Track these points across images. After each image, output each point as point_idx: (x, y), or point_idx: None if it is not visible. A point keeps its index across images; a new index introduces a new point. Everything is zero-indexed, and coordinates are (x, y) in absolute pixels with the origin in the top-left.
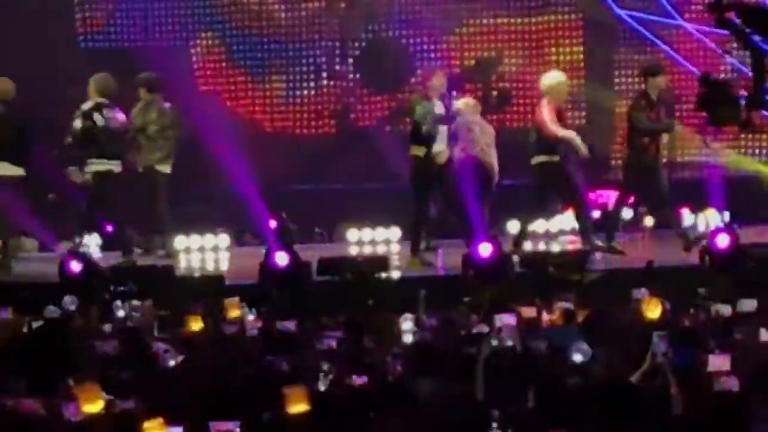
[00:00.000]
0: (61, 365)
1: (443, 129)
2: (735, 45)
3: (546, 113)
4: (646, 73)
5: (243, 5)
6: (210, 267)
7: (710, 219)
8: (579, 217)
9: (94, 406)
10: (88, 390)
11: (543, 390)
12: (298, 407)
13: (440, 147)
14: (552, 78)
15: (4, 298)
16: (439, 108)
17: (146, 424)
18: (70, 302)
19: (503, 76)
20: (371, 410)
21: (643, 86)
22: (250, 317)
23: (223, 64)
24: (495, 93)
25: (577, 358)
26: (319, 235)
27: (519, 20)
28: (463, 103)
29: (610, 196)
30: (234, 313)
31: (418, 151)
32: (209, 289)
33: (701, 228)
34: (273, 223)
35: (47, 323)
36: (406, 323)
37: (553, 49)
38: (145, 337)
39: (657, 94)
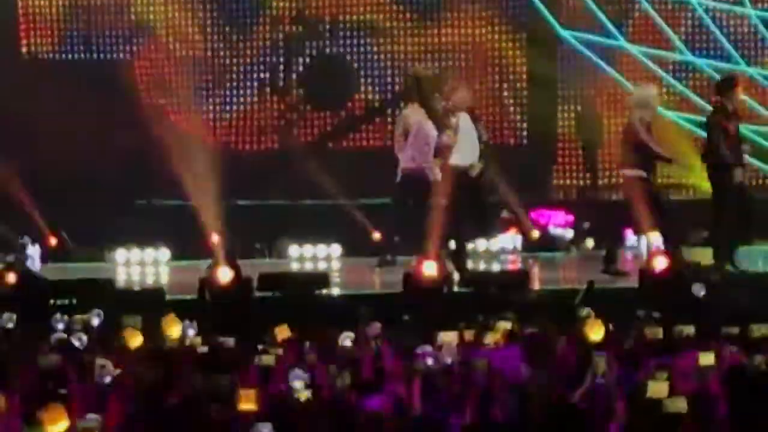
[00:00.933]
0: None
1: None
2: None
3: (644, 133)
4: (723, 85)
5: (188, 21)
6: (150, 281)
7: (651, 241)
8: (664, 234)
9: (58, 427)
10: (53, 411)
11: (481, 407)
12: (247, 406)
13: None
14: (644, 91)
15: None
16: (464, 121)
17: None
18: (7, 319)
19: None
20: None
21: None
22: (190, 332)
23: (168, 78)
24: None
25: None
26: (259, 250)
27: (464, 37)
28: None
29: (551, 216)
30: (173, 328)
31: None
32: (149, 303)
33: (643, 249)
34: (212, 238)
35: None
36: (346, 341)
37: (497, 68)
38: (84, 351)
39: (733, 106)
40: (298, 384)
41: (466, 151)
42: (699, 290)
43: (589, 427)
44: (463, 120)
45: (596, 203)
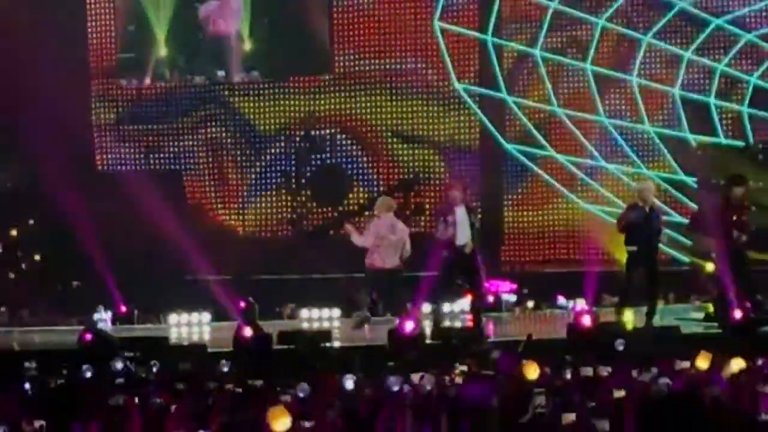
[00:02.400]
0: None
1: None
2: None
3: None
4: (730, 183)
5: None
6: (195, 337)
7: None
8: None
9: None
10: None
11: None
12: (281, 423)
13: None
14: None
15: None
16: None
17: None
18: (86, 369)
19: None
20: None
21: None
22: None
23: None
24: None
25: None
26: (283, 312)
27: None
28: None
29: (499, 285)
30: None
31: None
32: (195, 354)
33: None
34: (242, 305)
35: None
36: (348, 382)
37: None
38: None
39: (734, 201)
40: None
41: (462, 235)
42: (619, 345)
43: None
44: (461, 212)
45: (534, 275)
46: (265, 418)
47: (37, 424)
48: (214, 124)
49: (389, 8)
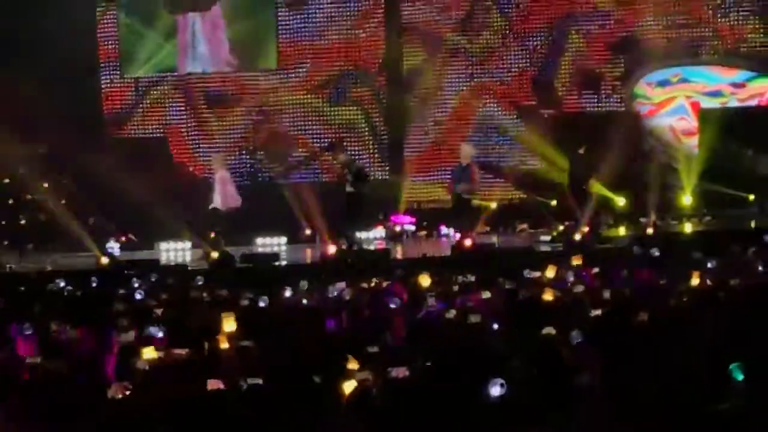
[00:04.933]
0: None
1: None
2: None
3: None
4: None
5: None
6: (179, 259)
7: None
8: None
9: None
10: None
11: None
12: (229, 325)
13: None
14: None
15: None
16: None
17: None
18: (93, 280)
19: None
20: None
21: None
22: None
23: None
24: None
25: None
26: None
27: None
28: None
29: (402, 218)
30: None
31: None
32: (178, 273)
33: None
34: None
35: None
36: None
37: None
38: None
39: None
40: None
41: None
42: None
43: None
44: None
45: (429, 211)
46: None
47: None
48: None
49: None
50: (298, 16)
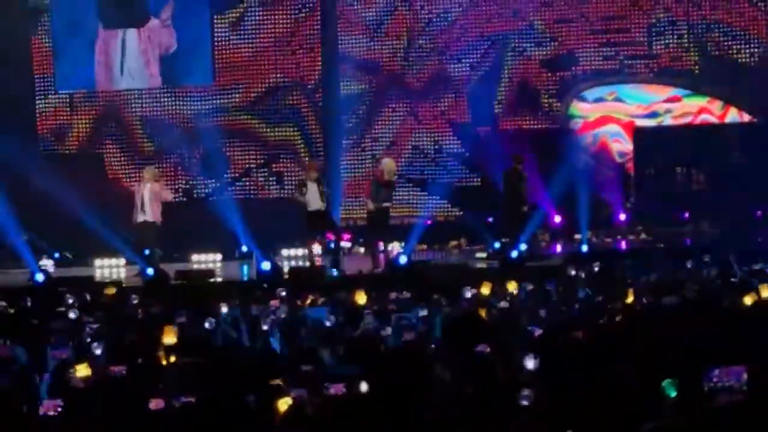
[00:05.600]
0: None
1: None
2: None
3: None
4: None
5: None
6: (114, 276)
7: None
8: None
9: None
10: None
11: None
12: (169, 338)
13: None
14: None
15: None
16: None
17: None
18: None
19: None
20: None
21: None
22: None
23: None
24: None
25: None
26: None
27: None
28: None
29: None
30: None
31: None
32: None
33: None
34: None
35: None
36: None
37: None
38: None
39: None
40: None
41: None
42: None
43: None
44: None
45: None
46: (161, 335)
47: None
48: None
49: None
50: (234, 30)
